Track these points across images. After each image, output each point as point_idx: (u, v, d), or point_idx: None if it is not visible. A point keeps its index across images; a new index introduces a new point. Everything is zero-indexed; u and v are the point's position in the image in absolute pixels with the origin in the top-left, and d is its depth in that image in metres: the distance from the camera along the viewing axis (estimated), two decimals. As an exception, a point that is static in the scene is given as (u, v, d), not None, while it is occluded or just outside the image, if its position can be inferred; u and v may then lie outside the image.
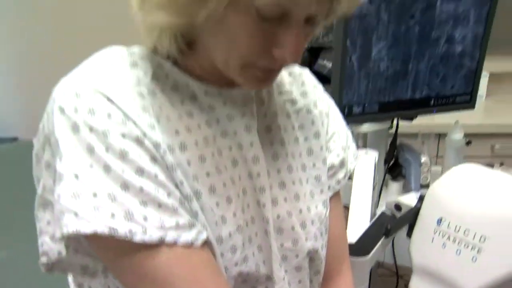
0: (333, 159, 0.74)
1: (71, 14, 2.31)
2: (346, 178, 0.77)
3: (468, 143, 2.09)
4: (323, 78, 1.24)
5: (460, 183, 0.74)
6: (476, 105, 1.44)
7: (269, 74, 0.57)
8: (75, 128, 0.48)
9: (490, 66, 2.26)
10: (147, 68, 0.56)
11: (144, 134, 0.51)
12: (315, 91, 0.75)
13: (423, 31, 1.28)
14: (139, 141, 0.50)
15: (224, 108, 0.60)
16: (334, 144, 0.75)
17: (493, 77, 2.32)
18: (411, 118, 1.41)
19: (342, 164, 0.76)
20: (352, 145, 0.79)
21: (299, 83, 0.74)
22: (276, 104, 0.68)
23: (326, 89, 0.80)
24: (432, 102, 1.38)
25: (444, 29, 1.29)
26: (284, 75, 0.73)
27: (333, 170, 0.74)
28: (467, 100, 1.43)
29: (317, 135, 0.72)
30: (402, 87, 1.32)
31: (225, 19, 0.50)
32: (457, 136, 1.50)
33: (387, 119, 1.36)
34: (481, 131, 2.01)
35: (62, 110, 0.49)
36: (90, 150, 0.48)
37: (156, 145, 0.51)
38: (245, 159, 0.61)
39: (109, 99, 0.50)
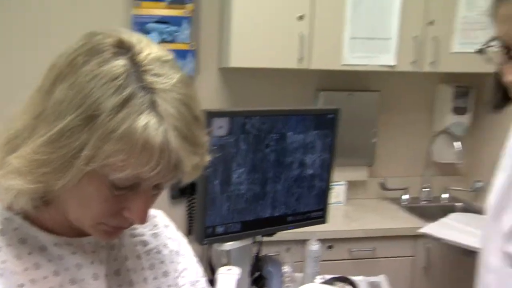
0: None
1: None
2: None
3: (329, 247, 2.28)
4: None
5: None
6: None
7: (119, 229, 0.64)
8: None
9: (347, 175, 2.56)
10: None
11: None
12: (166, 232, 0.82)
13: (278, 158, 1.44)
14: None
15: (73, 257, 0.65)
16: (183, 279, 0.81)
17: (350, 184, 2.61)
18: (271, 234, 1.53)
19: None
20: (202, 279, 0.86)
21: (151, 225, 0.81)
22: (127, 247, 0.74)
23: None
24: (289, 218, 1.52)
25: (296, 156, 1.47)
26: None
27: None
28: (320, 215, 1.60)
29: (165, 274, 0.78)
30: (261, 207, 1.45)
31: (80, 186, 0.57)
32: (314, 247, 1.64)
33: (249, 237, 1.47)
34: (341, 236, 2.21)
35: None
36: None
37: None
38: None
39: None
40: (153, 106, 0.56)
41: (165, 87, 0.58)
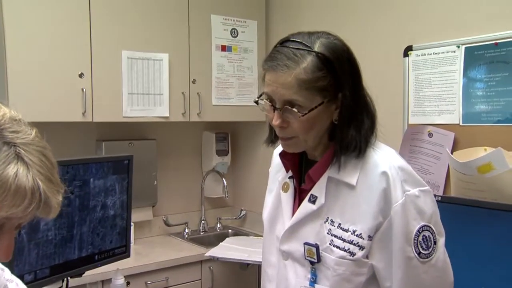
0: None
1: None
2: None
3: (128, 283, 2.43)
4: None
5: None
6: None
7: None
8: None
9: (134, 217, 2.76)
10: None
11: None
12: (4, 274, 0.90)
13: (82, 202, 1.59)
14: None
15: None
16: None
17: (137, 225, 2.81)
18: (80, 274, 1.64)
19: None
20: None
21: None
22: None
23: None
24: (96, 257, 1.66)
25: (99, 199, 1.64)
26: None
27: None
28: (124, 251, 1.78)
29: None
30: (70, 249, 1.56)
31: None
32: (119, 281, 1.81)
33: (58, 280, 1.55)
34: (137, 271, 2.39)
35: None
36: None
37: None
38: None
39: None
40: (18, 157, 0.68)
41: (26, 141, 0.70)
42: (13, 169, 0.66)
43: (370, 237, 1.07)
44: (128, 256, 1.79)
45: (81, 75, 2.31)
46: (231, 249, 2.52)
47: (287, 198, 1.21)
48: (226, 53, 2.83)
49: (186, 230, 3.02)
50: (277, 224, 1.24)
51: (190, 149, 3.14)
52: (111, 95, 2.43)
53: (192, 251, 2.70)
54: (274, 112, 1.08)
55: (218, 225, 3.20)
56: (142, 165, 2.80)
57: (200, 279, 2.63)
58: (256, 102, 1.13)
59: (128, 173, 1.76)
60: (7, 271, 0.93)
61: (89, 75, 2.34)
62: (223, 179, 3.03)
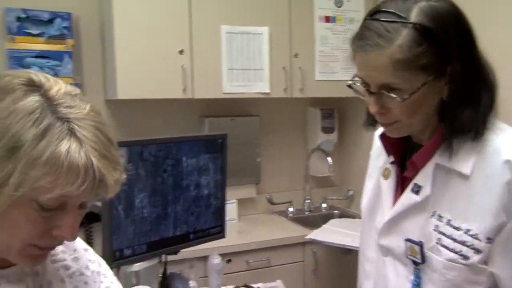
0: None
1: None
2: None
3: (228, 261, 2.43)
4: (96, 216, 1.41)
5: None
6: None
7: (47, 250, 0.70)
8: None
9: (237, 194, 2.76)
10: None
11: None
12: (86, 255, 0.90)
13: (175, 181, 1.57)
14: None
15: None
16: None
17: (241, 202, 2.80)
18: (175, 252, 1.64)
19: None
20: None
21: (71, 250, 0.87)
22: (50, 272, 0.80)
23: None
24: (191, 236, 1.65)
25: (192, 178, 1.61)
26: None
27: None
28: (219, 231, 1.74)
29: None
30: (165, 227, 1.56)
31: (7, 213, 0.63)
32: (215, 260, 1.78)
33: (155, 257, 1.56)
34: (237, 250, 2.38)
35: None
36: None
37: None
38: None
39: None
40: (71, 132, 0.64)
41: (79, 116, 0.66)
42: (65, 146, 0.63)
43: (489, 239, 0.87)
44: (223, 236, 1.75)
45: (181, 52, 2.31)
46: (334, 232, 2.39)
47: (388, 186, 1.05)
48: (330, 25, 2.64)
49: (291, 209, 2.94)
50: (376, 214, 1.08)
51: (294, 126, 3.03)
52: (211, 71, 2.40)
53: (295, 231, 2.62)
54: (370, 96, 0.92)
55: (324, 205, 3.07)
56: (245, 142, 2.77)
57: (303, 261, 2.55)
58: (350, 86, 0.97)
59: (223, 152, 1.71)
60: (90, 251, 0.92)
61: (189, 51, 2.34)
62: (329, 157, 2.89)
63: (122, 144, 1.45)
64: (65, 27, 2.36)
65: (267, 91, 2.53)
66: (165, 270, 1.64)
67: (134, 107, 2.53)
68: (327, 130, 2.98)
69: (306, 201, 3.02)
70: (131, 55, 2.26)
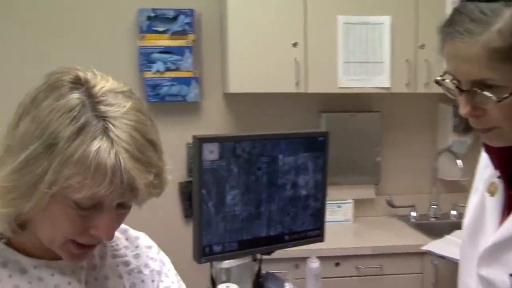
0: None
1: None
2: None
3: (336, 264, 2.32)
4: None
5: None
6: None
7: (87, 249, 0.71)
8: None
9: (354, 193, 2.62)
10: None
11: None
12: (148, 252, 0.89)
13: (270, 179, 1.51)
14: None
15: (52, 279, 0.72)
16: None
17: (358, 202, 2.65)
18: (269, 253, 1.59)
19: None
20: None
21: (133, 247, 0.88)
22: (108, 267, 0.81)
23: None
24: (286, 237, 1.59)
25: (288, 177, 1.54)
26: (121, 239, 0.87)
27: None
28: (318, 234, 1.65)
29: None
30: (257, 226, 1.52)
31: (49, 209, 0.64)
32: (313, 264, 1.70)
33: (246, 256, 1.53)
34: (348, 253, 2.25)
35: None
36: None
37: None
38: None
39: None
40: (105, 132, 0.63)
41: (117, 115, 0.64)
42: (96, 145, 0.62)
43: None
44: (322, 240, 1.65)
45: (294, 45, 2.24)
46: (457, 246, 2.11)
47: (494, 204, 0.87)
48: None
49: (413, 214, 2.69)
50: (479, 237, 0.90)
51: (420, 123, 2.76)
52: (325, 64, 2.29)
53: (415, 239, 2.40)
54: (460, 95, 0.77)
55: (453, 213, 2.75)
56: (364, 139, 2.61)
57: (421, 273, 2.32)
58: (437, 82, 0.82)
59: (324, 151, 1.60)
60: (154, 249, 0.91)
61: (303, 44, 2.26)
62: (459, 160, 2.56)
63: (213, 139, 1.44)
64: (187, 23, 2.45)
65: (387, 85, 2.33)
66: (259, 269, 1.61)
67: (251, 101, 2.55)
68: (460, 129, 2.65)
69: (432, 206, 2.74)
70: (244, 49, 2.26)
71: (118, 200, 0.66)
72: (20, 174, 0.63)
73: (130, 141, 0.64)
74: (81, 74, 0.68)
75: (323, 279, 1.77)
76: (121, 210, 0.69)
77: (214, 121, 2.55)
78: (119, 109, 0.65)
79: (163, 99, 2.45)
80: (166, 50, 2.44)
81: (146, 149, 0.66)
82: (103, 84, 0.68)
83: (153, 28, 2.44)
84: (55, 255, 0.72)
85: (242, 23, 2.26)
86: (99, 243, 0.72)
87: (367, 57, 2.30)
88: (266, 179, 1.51)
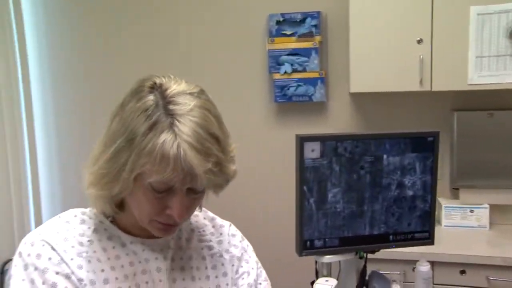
0: None
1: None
2: None
3: (462, 272, 2.20)
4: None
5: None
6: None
7: (169, 226, 0.84)
8: (26, 267, 0.79)
9: (491, 198, 2.42)
10: (91, 224, 0.87)
11: (72, 272, 0.80)
12: (231, 240, 1.01)
13: (374, 179, 1.52)
14: (68, 277, 0.79)
15: (143, 253, 0.88)
16: (242, 281, 0.99)
17: (495, 208, 2.44)
18: (372, 251, 1.60)
19: None
20: (264, 283, 1.02)
21: (218, 233, 1.01)
22: (193, 249, 0.95)
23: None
24: (391, 238, 1.58)
25: (393, 177, 1.53)
26: (208, 226, 1.02)
27: None
28: (427, 237, 1.60)
29: (225, 274, 0.97)
30: (360, 224, 1.54)
31: (135, 192, 0.80)
32: (423, 268, 1.65)
33: (347, 252, 1.57)
34: (476, 262, 2.10)
35: (20, 254, 0.80)
36: (32, 282, 0.77)
37: (80, 280, 0.80)
38: None
39: (52, 248, 0.80)
40: (171, 127, 0.74)
41: (182, 113, 0.76)
42: (162, 138, 0.74)
43: None
44: (431, 243, 1.59)
45: (419, 41, 2.16)
46: None
47: None
48: None
49: None
50: None
51: None
52: (453, 60, 2.16)
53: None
54: None
55: None
56: (505, 140, 2.39)
57: None
58: None
59: (434, 152, 1.54)
60: (238, 237, 1.03)
61: (429, 40, 2.16)
62: None
63: (314, 138, 1.51)
64: (313, 25, 2.54)
65: (529, 81, 2.10)
66: (364, 267, 1.62)
67: (377, 100, 2.53)
68: None
69: None
70: (366, 48, 2.26)
71: (186, 185, 0.78)
72: (110, 163, 0.79)
73: (192, 134, 0.75)
74: (157, 80, 0.82)
75: (446, 286, 1.70)
76: (193, 195, 0.81)
77: (340, 121, 2.59)
78: (184, 107, 0.77)
79: (290, 99, 2.58)
80: (294, 52, 2.56)
81: (207, 141, 0.76)
82: (174, 87, 0.80)
83: (281, 32, 2.58)
84: (149, 234, 0.87)
85: (363, 22, 2.26)
86: (176, 224, 0.85)
87: (506, 49, 2.10)
88: (369, 178, 1.52)
